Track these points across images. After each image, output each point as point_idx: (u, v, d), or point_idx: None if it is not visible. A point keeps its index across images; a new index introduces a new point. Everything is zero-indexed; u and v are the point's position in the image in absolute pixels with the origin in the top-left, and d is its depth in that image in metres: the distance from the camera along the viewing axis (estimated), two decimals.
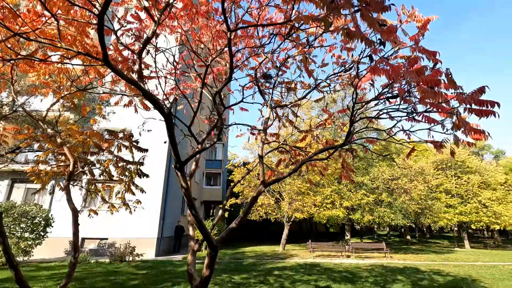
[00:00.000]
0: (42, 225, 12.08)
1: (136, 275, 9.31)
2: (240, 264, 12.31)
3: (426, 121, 2.73)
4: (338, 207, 17.29)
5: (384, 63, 2.81)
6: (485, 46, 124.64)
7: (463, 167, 25.59)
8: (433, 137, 4.17)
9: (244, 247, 20.66)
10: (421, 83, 2.40)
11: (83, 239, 15.23)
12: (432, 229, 33.58)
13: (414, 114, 3.14)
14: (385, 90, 3.73)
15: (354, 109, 3.54)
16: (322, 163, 6.04)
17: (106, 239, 15.21)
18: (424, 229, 43.33)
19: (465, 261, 15.14)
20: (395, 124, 3.91)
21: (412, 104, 3.09)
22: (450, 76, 2.35)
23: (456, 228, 32.15)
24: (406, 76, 2.56)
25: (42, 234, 12.06)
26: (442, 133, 3.68)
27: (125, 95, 4.68)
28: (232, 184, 18.44)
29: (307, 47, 4.37)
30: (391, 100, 3.46)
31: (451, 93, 2.67)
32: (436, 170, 24.78)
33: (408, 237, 31.29)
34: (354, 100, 3.53)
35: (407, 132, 4.35)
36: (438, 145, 3.92)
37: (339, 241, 20.43)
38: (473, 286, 8.40)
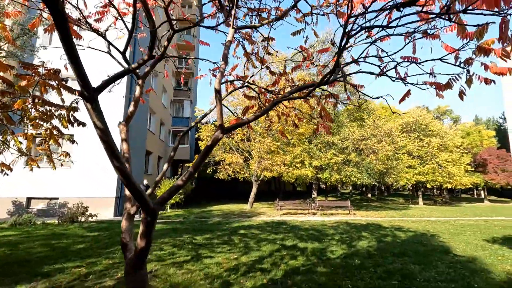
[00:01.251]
0: None
1: (85, 237, 8.34)
2: (205, 223, 11.80)
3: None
4: (307, 167, 17.16)
5: None
6: None
7: (426, 130, 26.63)
8: (435, 77, 3.41)
9: (211, 206, 20.35)
10: None
11: (29, 199, 13.68)
12: (394, 187, 35.85)
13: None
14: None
15: (347, 24, 2.54)
16: (298, 113, 5.15)
17: (57, 198, 13.80)
18: (383, 188, 46.57)
19: (420, 216, 16.09)
20: (398, 50, 3.03)
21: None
22: None
23: (410, 187, 34.70)
24: None
25: None
26: (454, 65, 2.88)
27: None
28: (200, 143, 17.08)
29: None
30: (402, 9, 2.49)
31: None
32: (401, 132, 25.50)
33: (369, 195, 33.26)
34: (349, 10, 2.52)
35: (401, 74, 3.54)
36: (444, 86, 3.15)
37: (306, 200, 20.82)
38: (433, 240, 8.61)
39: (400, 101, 3.73)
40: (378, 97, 3.46)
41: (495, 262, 6.24)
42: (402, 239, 8.86)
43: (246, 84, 4.04)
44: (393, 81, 3.46)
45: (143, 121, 18.58)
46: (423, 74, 3.04)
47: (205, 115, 3.82)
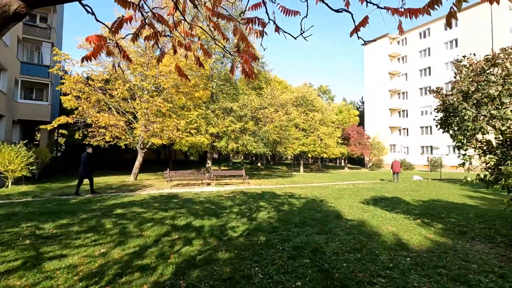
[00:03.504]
0: None
1: None
2: (66, 203, 8.88)
3: None
4: (203, 133, 15.72)
5: None
6: None
7: (311, 105, 29.41)
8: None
9: None
10: None
11: None
12: (283, 157, 38.81)
13: None
14: None
15: None
16: (203, 44, 3.51)
17: None
18: (269, 157, 50.63)
19: (305, 183, 17.58)
20: None
21: None
22: None
23: (292, 157, 38.81)
24: None
25: None
26: None
27: None
28: (63, 98, 12.83)
29: None
30: None
31: None
32: (292, 106, 27.24)
33: (259, 164, 35.12)
34: None
35: None
36: (424, 8, 2.25)
37: (200, 169, 19.64)
38: (324, 206, 8.97)
39: (352, 33, 2.71)
40: (338, 10, 2.29)
41: (379, 224, 6.70)
42: (297, 206, 8.87)
43: None
44: None
45: None
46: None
47: None
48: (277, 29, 3.31)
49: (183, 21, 3.37)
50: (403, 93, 44.67)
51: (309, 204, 9.35)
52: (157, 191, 12.25)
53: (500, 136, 4.25)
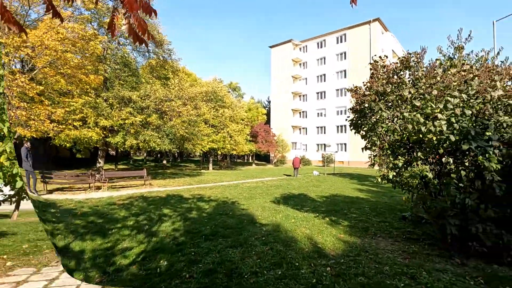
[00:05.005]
0: None
1: None
2: None
3: None
4: (91, 127, 12.81)
5: None
6: None
7: (221, 102, 28.80)
8: None
9: None
10: None
11: None
12: (192, 154, 36.86)
13: None
14: None
15: None
16: None
17: None
18: (176, 154, 47.74)
19: (214, 182, 16.76)
20: None
21: None
22: None
23: (201, 154, 37.57)
24: None
25: None
26: None
27: None
28: None
29: None
30: None
31: None
32: (201, 101, 25.93)
33: (165, 161, 32.40)
34: None
35: None
36: None
37: (89, 170, 16.34)
38: (236, 209, 8.33)
39: None
40: None
41: (293, 226, 6.45)
42: (207, 212, 7.94)
43: None
44: None
45: None
46: None
47: None
48: None
49: None
50: (304, 95, 49.28)
51: (220, 208, 8.55)
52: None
53: (406, 139, 4.39)
